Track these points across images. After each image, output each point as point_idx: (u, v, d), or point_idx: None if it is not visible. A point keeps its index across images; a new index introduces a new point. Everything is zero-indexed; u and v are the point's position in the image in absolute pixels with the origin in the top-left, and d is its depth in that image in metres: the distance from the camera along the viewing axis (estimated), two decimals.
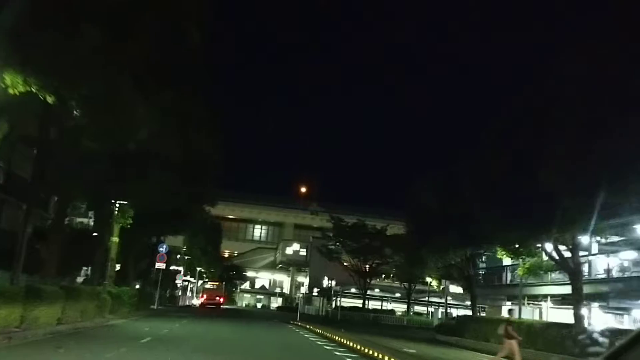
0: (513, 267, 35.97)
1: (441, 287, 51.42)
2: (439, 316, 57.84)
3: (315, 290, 70.83)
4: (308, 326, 35.26)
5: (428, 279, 62.56)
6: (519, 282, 34.17)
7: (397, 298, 72.87)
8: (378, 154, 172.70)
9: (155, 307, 42.42)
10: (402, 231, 62.88)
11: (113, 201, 27.89)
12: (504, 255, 28.96)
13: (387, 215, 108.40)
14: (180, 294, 61.31)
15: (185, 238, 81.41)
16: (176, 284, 60.45)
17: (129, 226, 28.66)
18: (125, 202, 28.05)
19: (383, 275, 66.83)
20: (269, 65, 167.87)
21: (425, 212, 35.87)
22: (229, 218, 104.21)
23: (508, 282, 39.88)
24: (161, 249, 42.05)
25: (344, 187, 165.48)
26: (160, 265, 41.46)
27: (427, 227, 35.18)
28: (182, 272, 61.25)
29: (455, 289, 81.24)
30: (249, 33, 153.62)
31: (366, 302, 64.32)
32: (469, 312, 70.22)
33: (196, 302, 72.38)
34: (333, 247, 63.40)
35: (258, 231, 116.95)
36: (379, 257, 59.91)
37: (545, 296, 34.69)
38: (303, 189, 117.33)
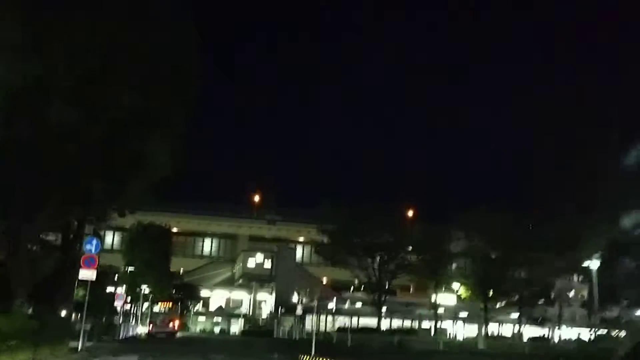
0: None
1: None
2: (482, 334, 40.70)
3: (300, 308, 52.60)
4: None
5: (455, 285, 46.21)
6: None
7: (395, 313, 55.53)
8: (339, 158, 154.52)
9: (80, 345, 23.42)
10: None
11: None
12: None
13: None
14: (121, 321, 41.79)
15: (125, 248, 62.04)
16: (115, 308, 40.87)
17: None
18: None
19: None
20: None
21: None
22: (174, 232, 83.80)
23: None
24: (89, 247, 23.29)
25: (302, 193, 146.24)
26: (87, 274, 22.69)
27: None
28: (123, 292, 41.40)
29: (444, 300, 65.35)
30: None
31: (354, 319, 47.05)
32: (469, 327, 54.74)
33: (142, 330, 52.74)
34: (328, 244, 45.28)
35: (208, 245, 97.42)
36: (397, 258, 42.44)
37: None
38: (257, 198, 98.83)
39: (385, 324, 52.39)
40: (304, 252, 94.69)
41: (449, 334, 52.81)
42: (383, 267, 42.52)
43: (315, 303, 32.31)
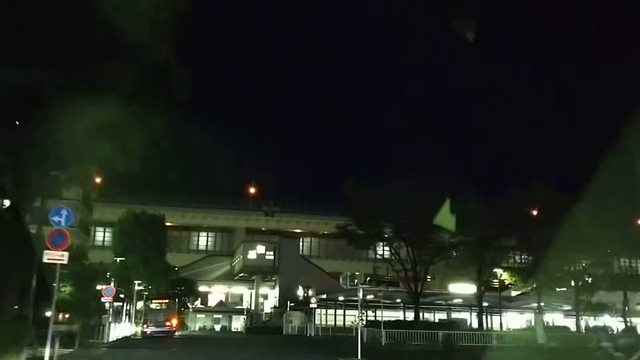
0: None
1: None
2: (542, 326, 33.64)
3: (313, 300, 45.69)
4: None
5: (499, 271, 39.45)
6: None
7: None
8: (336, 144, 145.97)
9: (47, 355, 16.23)
10: None
11: None
12: None
13: None
14: (110, 320, 34.49)
15: (115, 240, 54.71)
16: (103, 305, 33.38)
17: None
18: None
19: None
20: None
21: None
22: (168, 226, 76.20)
23: None
24: (57, 218, 16.18)
25: (301, 185, 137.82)
26: (54, 255, 15.65)
27: None
28: (112, 286, 33.61)
29: (461, 288, 58.85)
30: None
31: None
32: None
33: (136, 330, 45.58)
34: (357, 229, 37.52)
35: (204, 239, 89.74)
36: (435, 242, 35.06)
37: None
38: (252, 190, 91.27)
39: (409, 317, 45.76)
40: (304, 244, 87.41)
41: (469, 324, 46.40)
42: (420, 250, 34.94)
43: (360, 293, 25.19)
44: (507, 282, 42.75)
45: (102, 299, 31.46)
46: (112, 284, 36.25)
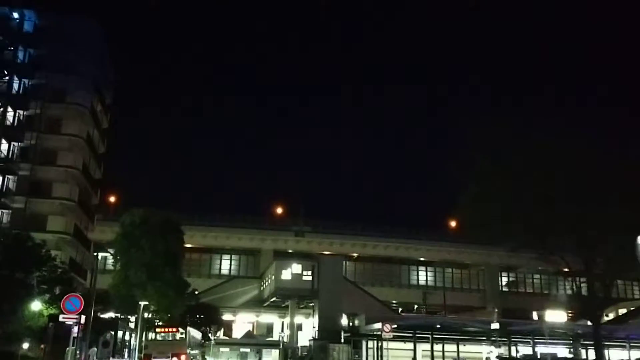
0: None
1: None
2: None
3: (387, 327, 31.05)
4: None
5: None
6: None
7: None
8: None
9: None
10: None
11: None
12: None
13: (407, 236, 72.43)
14: (82, 355, 19.89)
15: (117, 248, 40.41)
16: (66, 327, 18.42)
17: None
18: None
19: None
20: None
21: None
22: (188, 247, 61.48)
23: None
24: None
25: (331, 205, 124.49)
26: None
27: None
28: (77, 296, 18.25)
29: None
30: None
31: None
32: None
33: None
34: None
35: (227, 263, 75.38)
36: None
37: None
38: (280, 210, 77.13)
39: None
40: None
41: None
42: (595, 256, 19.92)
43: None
44: None
45: (61, 318, 17.13)
46: (78, 292, 22.00)
